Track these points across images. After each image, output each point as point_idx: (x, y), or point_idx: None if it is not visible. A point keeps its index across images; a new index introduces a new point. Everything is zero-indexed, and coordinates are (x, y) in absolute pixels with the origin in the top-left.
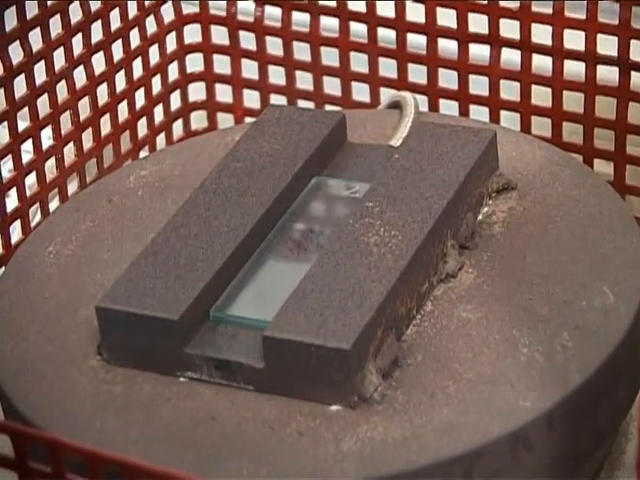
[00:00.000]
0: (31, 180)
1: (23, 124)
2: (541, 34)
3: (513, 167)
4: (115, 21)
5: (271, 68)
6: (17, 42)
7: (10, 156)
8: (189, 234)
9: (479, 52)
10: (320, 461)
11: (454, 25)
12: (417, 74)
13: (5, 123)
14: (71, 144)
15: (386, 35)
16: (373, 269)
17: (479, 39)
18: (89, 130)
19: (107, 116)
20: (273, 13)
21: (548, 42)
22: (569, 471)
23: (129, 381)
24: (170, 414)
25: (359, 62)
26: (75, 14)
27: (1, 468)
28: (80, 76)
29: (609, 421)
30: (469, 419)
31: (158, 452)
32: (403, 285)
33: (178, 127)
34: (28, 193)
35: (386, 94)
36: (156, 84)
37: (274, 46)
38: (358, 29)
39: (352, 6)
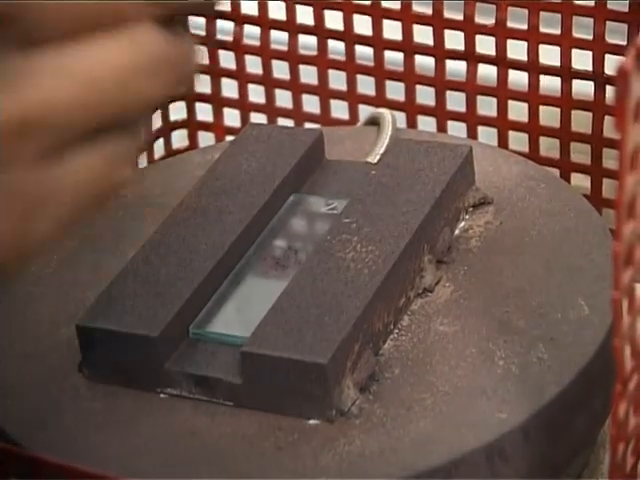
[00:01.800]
0: None
1: None
2: (517, 50)
3: (490, 182)
4: None
5: (250, 87)
6: None
7: None
8: (168, 252)
9: (456, 68)
10: (299, 475)
11: (431, 42)
12: (395, 91)
13: None
14: None
15: (364, 52)
16: (350, 284)
17: (455, 55)
18: None
19: None
20: (252, 32)
21: (524, 58)
22: (550, 475)
23: (110, 397)
24: (151, 429)
25: (337, 80)
26: None
27: None
28: None
29: (585, 431)
30: (446, 431)
31: (139, 467)
32: (380, 300)
33: (159, 146)
34: None
35: (365, 111)
36: None
37: (253, 65)
38: (336, 47)
39: (329, 24)
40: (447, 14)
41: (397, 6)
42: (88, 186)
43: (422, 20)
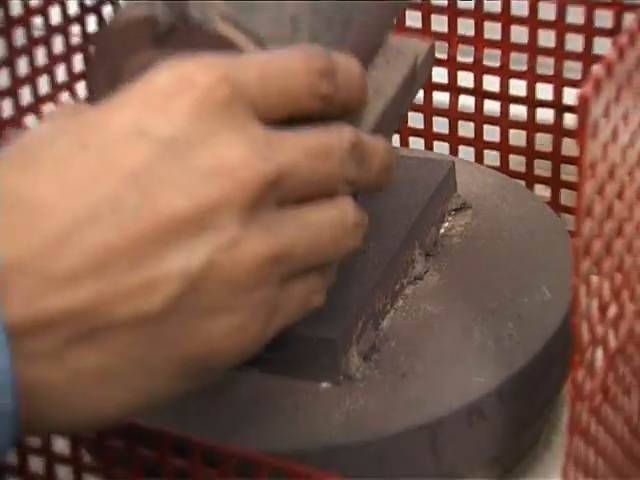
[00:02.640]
0: None
1: None
2: (491, 83)
3: (468, 190)
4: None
5: None
6: None
7: None
8: None
9: (441, 99)
10: (313, 429)
11: None
12: None
13: None
14: None
15: None
16: (356, 274)
17: (441, 88)
18: None
19: None
20: None
21: (496, 90)
22: (516, 436)
23: None
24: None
25: None
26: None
27: None
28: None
29: (547, 395)
30: (433, 393)
31: (188, 421)
32: (379, 286)
33: None
34: None
35: None
36: None
37: None
38: None
39: None
40: (461, 57)
41: None
42: (298, 305)
43: None
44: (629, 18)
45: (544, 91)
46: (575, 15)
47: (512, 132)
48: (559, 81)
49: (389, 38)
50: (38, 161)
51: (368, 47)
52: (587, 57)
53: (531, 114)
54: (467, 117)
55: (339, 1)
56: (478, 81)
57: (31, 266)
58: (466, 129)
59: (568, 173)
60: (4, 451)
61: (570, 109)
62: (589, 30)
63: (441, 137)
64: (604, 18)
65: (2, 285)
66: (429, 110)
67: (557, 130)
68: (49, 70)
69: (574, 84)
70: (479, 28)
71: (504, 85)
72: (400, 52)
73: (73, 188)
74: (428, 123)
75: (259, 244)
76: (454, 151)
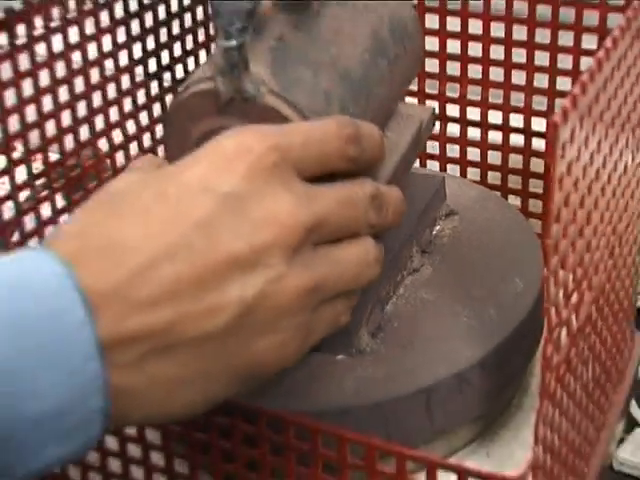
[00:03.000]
0: None
1: None
2: (473, 113)
3: (455, 200)
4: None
5: None
6: None
7: None
8: None
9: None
10: (330, 391)
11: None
12: None
13: None
14: None
15: None
16: None
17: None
18: None
19: None
20: None
21: (478, 119)
22: (495, 398)
23: None
24: None
25: None
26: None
27: None
28: None
29: (520, 364)
30: (428, 364)
31: None
32: (385, 278)
33: None
34: None
35: None
36: None
37: None
38: None
39: None
40: (428, 90)
41: None
42: (328, 325)
43: (409, 94)
44: (586, 61)
45: (516, 120)
46: (542, 58)
47: (490, 153)
48: (528, 112)
49: (400, 105)
50: (125, 208)
51: (385, 114)
52: (552, 93)
53: (505, 139)
54: (454, 141)
55: (363, 78)
56: (463, 112)
57: (118, 293)
58: (453, 151)
59: (535, 186)
60: (96, 441)
61: (537, 134)
62: (552, 71)
63: (433, 157)
64: (565, 61)
65: (95, 308)
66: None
67: (526, 152)
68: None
69: (541, 115)
70: (464, 70)
71: (484, 115)
72: (408, 116)
73: (153, 231)
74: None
75: (299, 279)
76: (444, 168)
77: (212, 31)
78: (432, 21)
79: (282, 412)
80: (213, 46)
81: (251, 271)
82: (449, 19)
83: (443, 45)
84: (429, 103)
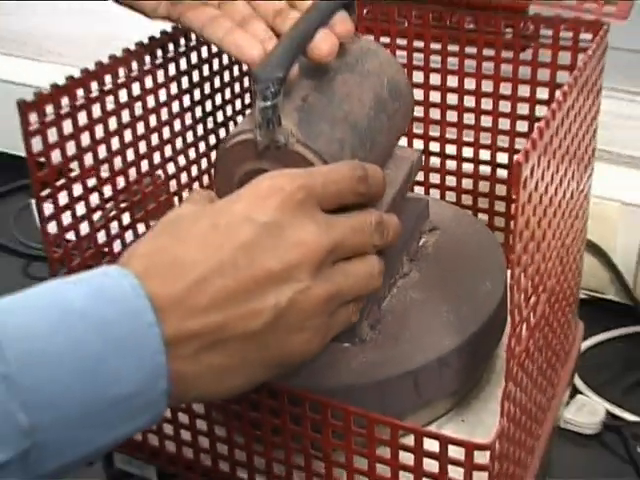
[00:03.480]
0: None
1: None
2: (450, 149)
3: (437, 218)
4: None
5: None
6: None
7: None
8: None
9: None
10: (339, 372)
11: (405, 143)
12: None
13: None
14: None
15: None
16: None
17: None
18: None
19: None
20: None
21: (454, 153)
22: (468, 376)
23: None
24: None
25: None
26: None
27: None
28: None
29: (489, 349)
30: (416, 350)
31: None
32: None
33: None
34: None
35: None
36: None
37: None
38: None
39: None
40: (415, 130)
41: None
42: (342, 324)
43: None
44: (539, 108)
45: (485, 154)
46: (505, 106)
47: (464, 180)
48: (494, 148)
49: (396, 148)
50: (185, 234)
51: (385, 156)
52: (513, 133)
53: (476, 169)
54: (435, 171)
55: (368, 129)
56: (442, 148)
57: (179, 301)
58: (435, 178)
59: (499, 206)
60: (160, 417)
61: (500, 166)
62: (513, 116)
63: (419, 184)
64: (523, 108)
65: (160, 312)
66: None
67: (492, 179)
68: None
69: (504, 150)
70: (443, 115)
71: (459, 150)
72: (402, 158)
73: (207, 252)
74: None
75: (321, 289)
76: (427, 192)
77: (246, 84)
78: (418, 77)
79: (299, 390)
80: (247, 96)
81: (283, 283)
82: (431, 75)
83: (427, 95)
84: (416, 141)
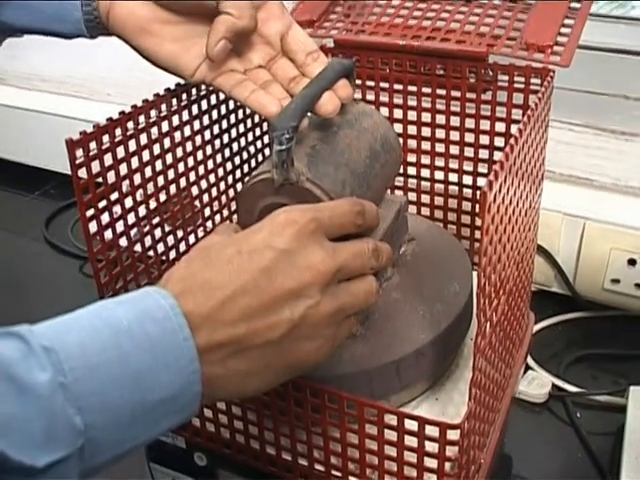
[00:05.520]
0: None
1: None
2: (425, 172)
3: (414, 230)
4: None
5: None
6: None
7: None
8: None
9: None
10: (333, 363)
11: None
12: None
13: None
14: None
15: None
16: None
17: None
18: None
19: None
20: None
21: (428, 175)
22: (441, 363)
23: None
24: None
25: None
26: None
27: None
28: None
29: (458, 340)
30: (398, 343)
31: None
32: None
33: None
34: None
35: None
36: None
37: None
38: None
39: None
40: (409, 158)
41: None
42: (345, 334)
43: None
44: (498, 139)
45: (453, 177)
46: (469, 137)
47: (436, 198)
48: (461, 172)
49: (387, 194)
50: (214, 260)
51: (378, 197)
52: (476, 159)
53: (446, 189)
54: (412, 190)
55: (365, 174)
56: (418, 171)
57: (210, 316)
58: (412, 197)
59: (465, 220)
60: (194, 414)
61: (466, 186)
62: (476, 145)
63: None
64: (485, 139)
65: (195, 327)
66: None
67: (460, 197)
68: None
69: (469, 173)
70: (419, 144)
71: (432, 174)
72: (392, 201)
73: (232, 275)
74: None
75: (329, 305)
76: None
77: (265, 129)
78: (397, 114)
79: (299, 379)
80: (266, 139)
81: (297, 300)
82: (409, 112)
83: (405, 128)
84: (410, 169)
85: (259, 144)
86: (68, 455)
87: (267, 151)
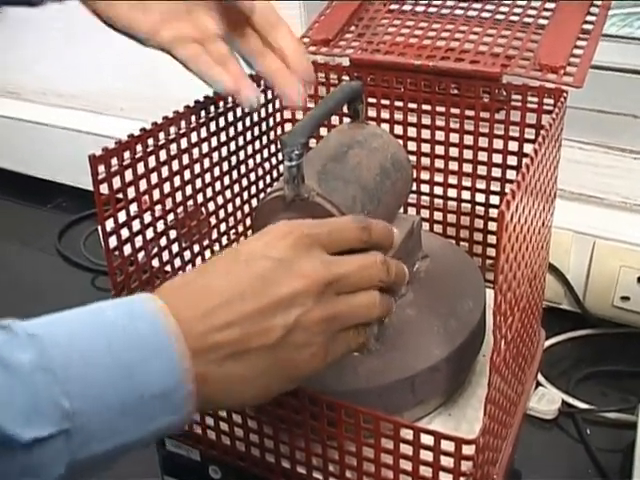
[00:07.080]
0: None
1: None
2: (437, 189)
3: (427, 247)
4: None
5: None
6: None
7: None
8: None
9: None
10: (349, 377)
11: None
12: None
13: None
14: None
15: None
16: None
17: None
18: None
19: None
20: None
21: (441, 193)
22: (454, 379)
23: None
24: None
25: None
26: None
27: None
28: None
29: (471, 357)
30: (412, 359)
31: None
32: None
33: None
34: None
35: None
36: None
37: None
38: None
39: None
40: (423, 176)
41: None
42: (342, 347)
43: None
44: (510, 158)
45: (466, 195)
46: (482, 156)
47: (449, 215)
48: (474, 190)
49: (400, 214)
50: (212, 267)
51: (390, 214)
52: (489, 178)
53: (459, 206)
54: (425, 207)
55: (375, 190)
56: (431, 189)
57: (205, 318)
58: (425, 214)
59: (477, 236)
60: (192, 416)
61: (479, 204)
62: (489, 164)
63: None
64: (497, 157)
65: (187, 328)
66: (405, 202)
67: (472, 215)
68: None
69: (482, 191)
70: (432, 162)
71: (445, 191)
72: (405, 219)
73: (230, 281)
74: (405, 210)
75: (320, 312)
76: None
77: (279, 146)
78: (412, 132)
79: (316, 393)
80: (280, 156)
81: (290, 307)
82: (423, 130)
83: (419, 147)
84: (424, 186)
85: (274, 161)
86: (53, 434)
87: (282, 168)
